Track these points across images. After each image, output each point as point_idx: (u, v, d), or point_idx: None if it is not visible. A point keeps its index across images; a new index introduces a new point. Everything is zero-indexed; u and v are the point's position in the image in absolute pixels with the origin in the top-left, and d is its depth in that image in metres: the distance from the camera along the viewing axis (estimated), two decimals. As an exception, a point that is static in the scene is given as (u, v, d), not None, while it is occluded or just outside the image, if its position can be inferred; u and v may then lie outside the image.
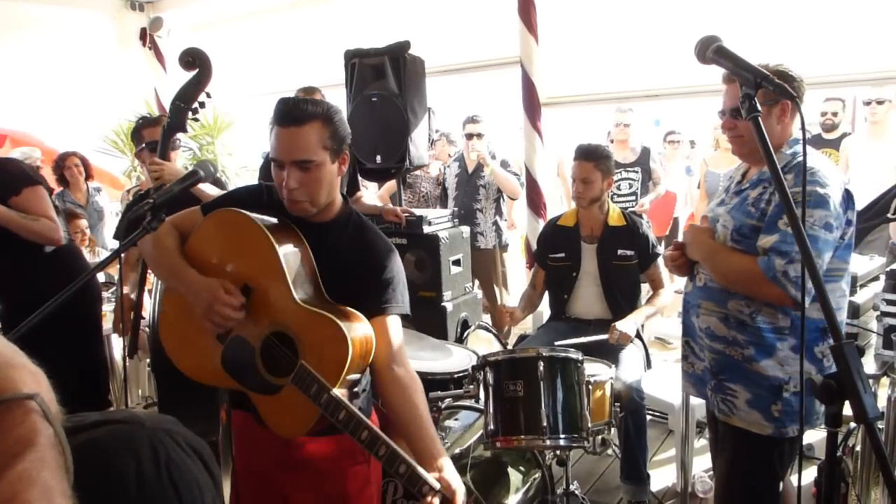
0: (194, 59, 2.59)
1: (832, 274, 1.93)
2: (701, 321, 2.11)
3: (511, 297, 5.00)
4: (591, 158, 3.14)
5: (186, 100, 2.65)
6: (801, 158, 1.73)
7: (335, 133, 1.70)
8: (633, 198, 5.08)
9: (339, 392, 1.51)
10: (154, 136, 2.87)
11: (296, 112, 1.67)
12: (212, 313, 1.63)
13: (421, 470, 1.42)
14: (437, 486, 1.40)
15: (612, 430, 2.98)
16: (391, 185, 5.05)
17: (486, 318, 4.73)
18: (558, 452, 2.77)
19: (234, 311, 1.63)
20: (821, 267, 1.78)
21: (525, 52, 4.21)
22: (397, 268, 1.78)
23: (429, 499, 1.38)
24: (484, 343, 3.47)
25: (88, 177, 5.46)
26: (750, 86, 1.20)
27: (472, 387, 2.37)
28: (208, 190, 2.53)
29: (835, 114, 5.09)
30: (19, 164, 3.16)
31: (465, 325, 3.90)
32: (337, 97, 4.32)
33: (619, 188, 5.08)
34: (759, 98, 1.77)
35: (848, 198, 1.88)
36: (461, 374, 2.65)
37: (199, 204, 1.88)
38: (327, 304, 1.67)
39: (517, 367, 2.26)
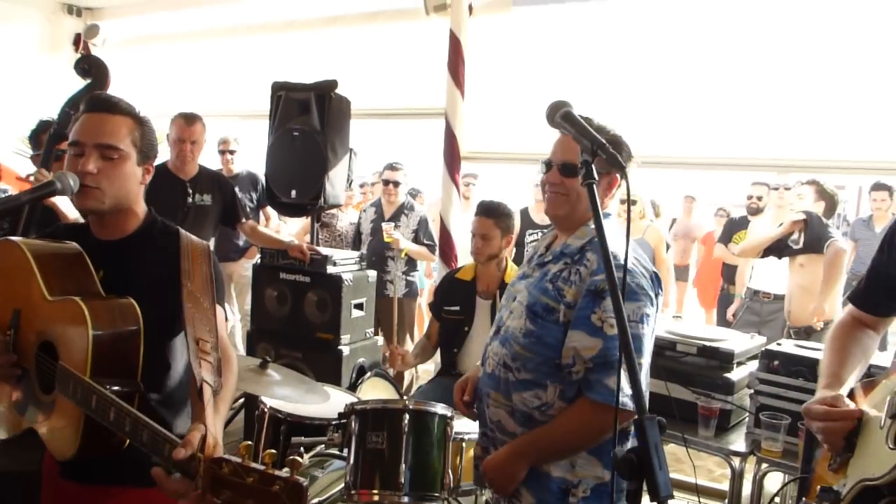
0: (90, 67, 2.53)
1: None
2: (491, 412, 1.86)
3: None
4: (492, 216, 3.15)
5: (76, 107, 2.55)
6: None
7: (145, 136, 1.63)
8: (549, 259, 5.15)
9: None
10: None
11: (110, 102, 1.59)
12: None
13: (164, 432, 1.25)
14: (178, 440, 1.22)
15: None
16: (309, 222, 4.98)
17: (391, 369, 4.64)
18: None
19: None
20: (641, 366, 1.57)
21: (450, 106, 4.28)
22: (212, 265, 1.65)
23: (180, 452, 1.20)
24: (382, 392, 3.36)
25: (-4, 178, 5.23)
26: (588, 153, 1.22)
27: (336, 435, 2.27)
28: (70, 213, 2.39)
29: (759, 198, 5.48)
30: None
31: (361, 372, 3.80)
32: (259, 128, 4.28)
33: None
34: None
35: (656, 280, 1.72)
36: (334, 422, 2.55)
37: (58, 221, 1.77)
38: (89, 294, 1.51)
39: (382, 418, 2.17)
